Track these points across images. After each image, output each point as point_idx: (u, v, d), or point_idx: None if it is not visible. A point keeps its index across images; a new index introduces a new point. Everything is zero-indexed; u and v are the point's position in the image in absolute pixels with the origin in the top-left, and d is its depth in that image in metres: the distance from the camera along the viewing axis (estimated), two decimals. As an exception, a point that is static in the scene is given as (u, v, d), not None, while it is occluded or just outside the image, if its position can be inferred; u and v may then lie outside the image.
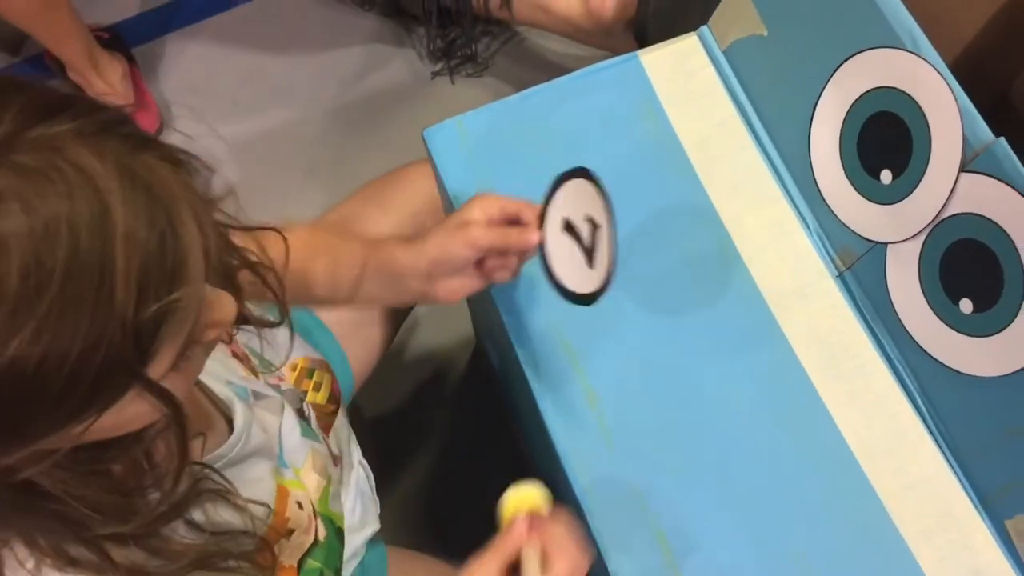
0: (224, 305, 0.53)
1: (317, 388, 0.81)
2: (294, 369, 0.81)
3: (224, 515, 0.61)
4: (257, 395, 0.74)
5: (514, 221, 0.72)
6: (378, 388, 1.36)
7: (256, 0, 1.68)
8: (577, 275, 0.71)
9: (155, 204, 0.44)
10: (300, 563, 0.70)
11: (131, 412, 0.48)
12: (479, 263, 0.72)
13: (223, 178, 0.69)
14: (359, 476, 0.86)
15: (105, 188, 0.42)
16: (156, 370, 0.46)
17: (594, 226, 0.70)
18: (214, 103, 1.59)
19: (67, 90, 0.46)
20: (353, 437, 0.87)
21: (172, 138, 0.54)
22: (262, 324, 0.72)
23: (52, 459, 0.46)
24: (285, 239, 0.71)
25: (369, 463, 0.91)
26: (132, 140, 0.46)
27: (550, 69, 1.59)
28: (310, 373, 0.82)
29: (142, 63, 1.59)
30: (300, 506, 0.71)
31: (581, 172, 0.70)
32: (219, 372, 0.71)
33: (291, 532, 0.69)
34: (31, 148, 0.42)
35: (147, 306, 0.43)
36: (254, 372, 0.77)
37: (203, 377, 0.68)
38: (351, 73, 1.62)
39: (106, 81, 1.48)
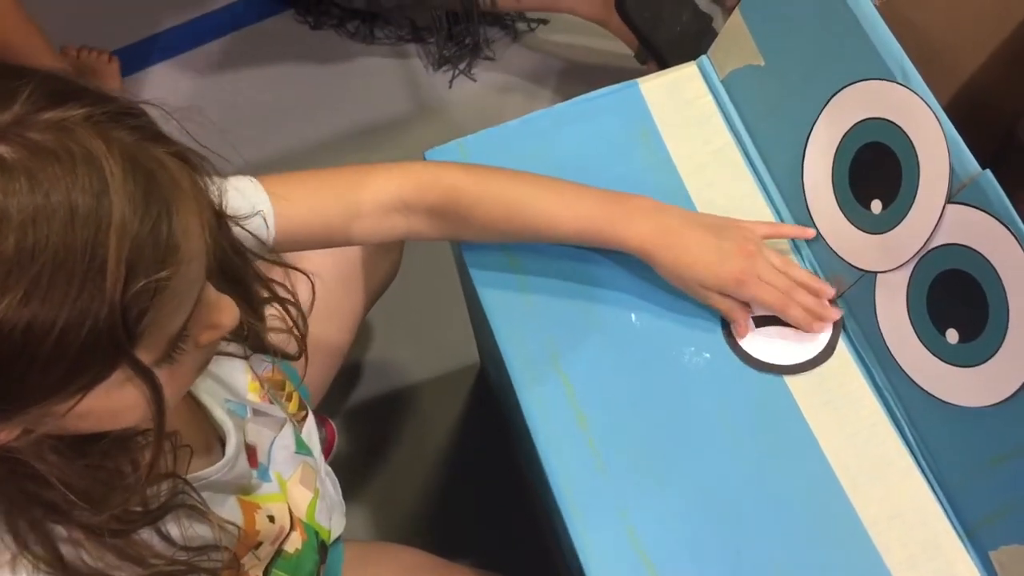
0: (225, 309, 0.54)
1: (289, 398, 0.82)
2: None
3: (198, 530, 0.62)
4: (257, 412, 0.75)
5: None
6: (377, 398, 1.38)
7: (246, 29, 1.66)
8: (800, 345, 0.80)
9: (154, 190, 0.47)
10: (266, 572, 0.71)
11: (119, 400, 0.49)
12: None
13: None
14: (327, 484, 0.86)
15: (108, 171, 0.45)
16: (146, 355, 0.48)
17: None
18: (203, 135, 1.58)
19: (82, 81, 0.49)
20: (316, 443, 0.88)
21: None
22: (282, 355, 0.73)
23: (33, 437, 0.48)
24: (312, 281, 0.74)
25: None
26: (141, 132, 0.49)
27: (551, 72, 1.59)
28: (281, 385, 0.82)
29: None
30: (272, 519, 0.71)
31: None
32: (218, 392, 0.71)
33: (259, 544, 0.70)
34: (44, 128, 0.45)
35: (135, 282, 0.45)
36: (262, 391, 0.77)
37: (204, 397, 0.69)
38: (346, 99, 1.60)
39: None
